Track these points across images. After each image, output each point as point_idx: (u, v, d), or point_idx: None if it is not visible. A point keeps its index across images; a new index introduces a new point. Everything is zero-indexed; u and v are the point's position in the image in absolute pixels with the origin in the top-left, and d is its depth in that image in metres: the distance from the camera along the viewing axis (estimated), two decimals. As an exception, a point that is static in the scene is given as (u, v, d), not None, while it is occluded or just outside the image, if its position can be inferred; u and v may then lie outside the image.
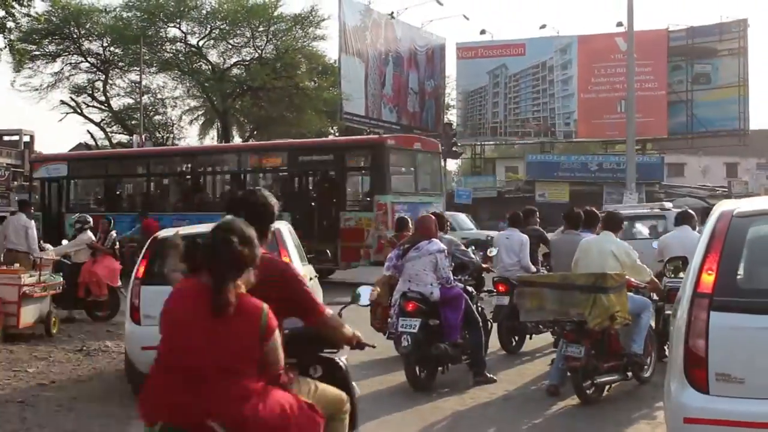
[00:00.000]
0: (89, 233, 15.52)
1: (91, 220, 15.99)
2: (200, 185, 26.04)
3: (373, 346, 5.22)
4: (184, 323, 3.82)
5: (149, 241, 9.74)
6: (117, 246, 15.79)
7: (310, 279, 10.93)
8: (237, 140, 53.82)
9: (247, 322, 3.78)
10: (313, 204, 22.28)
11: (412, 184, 22.85)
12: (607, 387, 8.84)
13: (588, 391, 8.49)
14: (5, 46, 20.93)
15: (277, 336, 3.90)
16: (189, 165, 26.70)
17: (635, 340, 8.92)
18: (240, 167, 24.91)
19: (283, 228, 10.43)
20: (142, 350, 8.55)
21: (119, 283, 15.22)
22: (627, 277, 8.71)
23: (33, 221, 15.84)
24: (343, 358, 4.99)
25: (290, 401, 3.94)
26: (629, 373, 9.05)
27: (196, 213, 21.32)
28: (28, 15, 26.65)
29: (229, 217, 4.17)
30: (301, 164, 23.25)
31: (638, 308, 8.97)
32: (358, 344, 4.93)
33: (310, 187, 23.31)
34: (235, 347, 3.75)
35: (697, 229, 10.46)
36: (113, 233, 15.79)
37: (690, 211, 11.50)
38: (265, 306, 3.83)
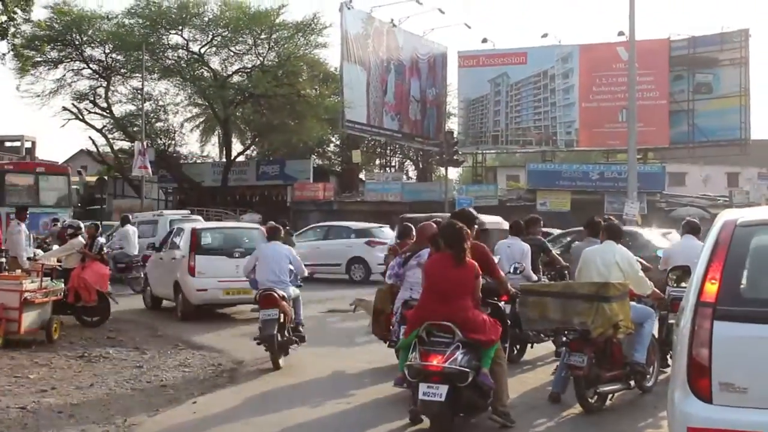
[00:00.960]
0: (80, 239, 15.49)
1: (82, 225, 15.97)
2: None
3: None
4: (438, 271, 7.72)
5: (192, 230, 16.66)
6: (105, 252, 15.75)
7: None
8: (238, 147, 53.88)
9: (469, 270, 7.65)
10: None
11: (35, 199, 30.08)
12: (609, 396, 8.83)
13: (591, 400, 8.49)
14: (9, 51, 21.03)
15: (480, 279, 7.84)
16: None
17: (638, 349, 8.92)
18: None
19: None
20: (196, 291, 15.94)
21: (109, 288, 15.21)
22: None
23: (21, 226, 15.80)
24: (501, 304, 9.69)
25: (484, 315, 7.76)
26: (632, 382, 9.05)
27: None
28: (30, 20, 26.83)
29: (453, 220, 8.32)
30: None
31: (641, 317, 8.97)
32: (511, 296, 9.90)
33: None
34: (463, 283, 7.60)
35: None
36: (100, 239, 15.75)
37: (696, 221, 11.48)
38: (475, 263, 7.75)
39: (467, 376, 7.27)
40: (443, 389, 7.21)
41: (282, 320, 11.20)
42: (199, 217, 28.38)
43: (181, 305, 16.30)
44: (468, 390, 7.37)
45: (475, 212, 9.43)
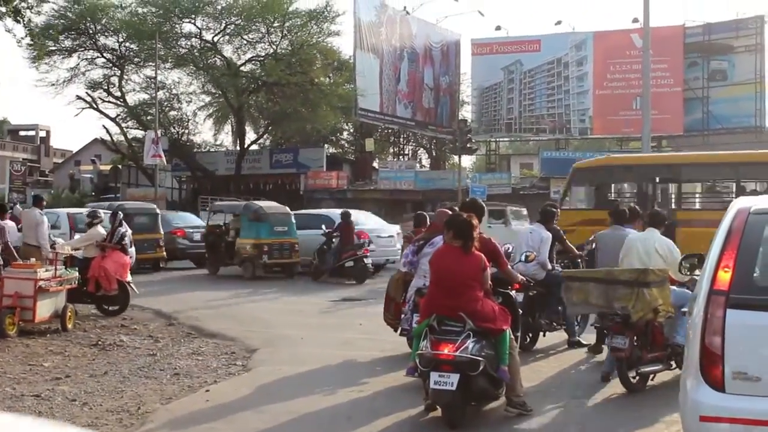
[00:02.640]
0: (100, 228, 15.49)
1: (102, 215, 15.97)
2: None
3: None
4: (446, 264, 7.67)
5: None
6: (125, 241, 15.73)
7: None
8: (252, 136, 53.93)
9: (476, 261, 7.65)
10: None
11: None
12: (651, 376, 9.17)
13: (633, 380, 8.90)
14: (26, 35, 20.97)
15: (488, 270, 7.84)
16: None
17: (678, 331, 9.19)
18: None
19: None
20: None
21: (129, 278, 15.23)
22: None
23: (44, 216, 15.75)
24: (513, 293, 9.15)
25: (494, 304, 7.79)
26: (673, 363, 9.37)
27: None
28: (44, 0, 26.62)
29: (459, 211, 8.62)
30: None
31: (681, 301, 9.17)
32: (523, 284, 9.52)
33: None
34: (470, 274, 7.57)
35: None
36: (121, 228, 15.75)
37: None
38: (482, 254, 7.77)
39: (478, 364, 7.25)
40: (454, 378, 7.22)
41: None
42: None
43: None
44: (479, 379, 7.37)
45: (480, 202, 9.43)
